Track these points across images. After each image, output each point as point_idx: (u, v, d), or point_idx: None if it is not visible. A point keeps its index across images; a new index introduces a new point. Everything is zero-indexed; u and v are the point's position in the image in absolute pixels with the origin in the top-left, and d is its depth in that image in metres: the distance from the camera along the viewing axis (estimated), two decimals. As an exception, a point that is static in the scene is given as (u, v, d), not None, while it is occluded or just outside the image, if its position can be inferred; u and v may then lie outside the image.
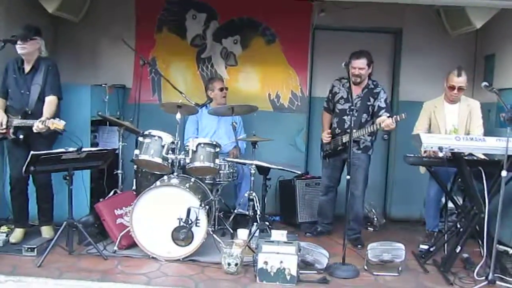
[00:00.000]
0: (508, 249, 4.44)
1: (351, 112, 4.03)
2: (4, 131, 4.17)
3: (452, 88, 4.42)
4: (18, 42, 4.12)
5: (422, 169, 4.53)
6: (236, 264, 3.75)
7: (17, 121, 4.14)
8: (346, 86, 4.67)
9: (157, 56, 5.75)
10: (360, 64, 4.54)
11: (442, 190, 4.41)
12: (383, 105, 4.59)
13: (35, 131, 4.01)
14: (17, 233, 4.33)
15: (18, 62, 4.28)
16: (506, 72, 4.94)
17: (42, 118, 4.02)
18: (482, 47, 5.55)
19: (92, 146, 4.87)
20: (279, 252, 3.63)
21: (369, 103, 4.63)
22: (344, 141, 4.59)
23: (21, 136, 4.14)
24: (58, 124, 3.96)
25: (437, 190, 4.51)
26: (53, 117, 4.09)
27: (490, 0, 4.44)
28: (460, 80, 4.38)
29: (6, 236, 4.26)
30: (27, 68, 4.26)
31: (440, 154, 3.82)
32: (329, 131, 4.79)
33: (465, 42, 5.56)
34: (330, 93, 4.87)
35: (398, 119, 4.23)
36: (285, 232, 3.77)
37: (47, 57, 4.38)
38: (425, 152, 4.03)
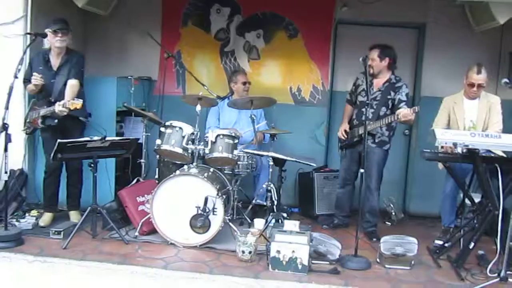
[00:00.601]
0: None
1: (368, 105, 4.12)
2: (41, 82, 4.29)
3: (471, 85, 4.39)
4: (59, 35, 4.29)
5: (440, 165, 4.53)
6: (250, 252, 3.87)
7: (43, 111, 4.32)
8: (369, 80, 4.68)
9: (182, 49, 5.88)
10: (372, 54, 4.62)
11: (458, 186, 4.41)
12: (403, 98, 4.62)
13: (58, 113, 4.17)
14: (46, 217, 4.55)
15: (44, 55, 4.43)
16: (531, 69, 4.90)
17: (62, 101, 4.17)
18: (507, 43, 5.46)
19: (117, 135, 5.06)
20: (291, 242, 3.72)
21: (389, 97, 4.66)
22: (360, 132, 4.64)
23: (55, 121, 4.31)
24: (76, 103, 4.10)
25: (453, 186, 4.49)
26: (83, 106, 4.25)
27: (513, -4, 4.41)
28: (479, 78, 4.34)
29: (36, 219, 4.49)
30: (54, 61, 4.43)
31: (457, 150, 3.85)
32: (347, 128, 4.85)
33: (490, 38, 5.46)
34: (353, 86, 4.95)
35: (417, 110, 4.29)
36: (297, 222, 3.86)
37: (75, 50, 4.54)
38: (442, 147, 4.04)
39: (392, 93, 4.66)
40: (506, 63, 5.43)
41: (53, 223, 4.49)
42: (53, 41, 4.33)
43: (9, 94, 3.92)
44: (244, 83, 5.34)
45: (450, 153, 4.04)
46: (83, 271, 3.65)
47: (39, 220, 4.50)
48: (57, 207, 4.70)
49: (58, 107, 4.15)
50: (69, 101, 4.14)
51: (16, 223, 4.36)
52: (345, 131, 4.85)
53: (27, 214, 4.57)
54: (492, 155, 4.06)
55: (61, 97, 4.33)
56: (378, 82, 4.72)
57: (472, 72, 4.37)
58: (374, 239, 4.55)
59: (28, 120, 4.47)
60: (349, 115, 4.95)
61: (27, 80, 4.43)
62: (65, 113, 4.17)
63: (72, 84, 4.39)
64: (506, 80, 3.93)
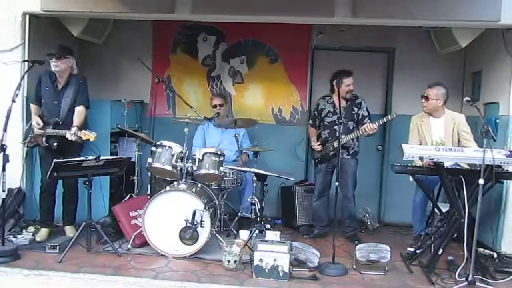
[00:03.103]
0: (493, 253, 4.42)
1: (340, 122, 4.25)
2: (41, 132, 4.33)
3: (421, 97, 4.53)
4: (53, 60, 4.30)
5: (411, 177, 4.56)
6: (235, 261, 3.85)
7: (49, 130, 4.32)
8: (331, 102, 4.88)
9: (172, 74, 5.92)
10: (351, 80, 4.73)
11: (427, 197, 4.43)
12: (365, 113, 4.83)
13: (69, 139, 4.21)
14: (43, 232, 4.47)
15: (51, 76, 4.43)
16: (491, 88, 4.97)
17: (73, 130, 4.22)
18: (470, 64, 5.56)
19: (111, 155, 5.03)
20: (273, 251, 3.71)
21: (353, 112, 4.83)
22: (335, 146, 4.71)
23: (55, 144, 4.31)
24: (90, 135, 4.16)
25: (423, 197, 4.52)
26: (84, 126, 4.31)
27: (472, 21, 4.50)
28: (428, 90, 4.49)
29: (33, 235, 4.42)
30: (60, 82, 4.43)
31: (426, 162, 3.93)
32: (317, 140, 4.93)
33: (454, 59, 5.58)
34: (315, 111, 5.04)
35: (381, 122, 4.55)
36: (278, 232, 3.86)
37: (77, 76, 4.54)
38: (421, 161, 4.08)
39: (356, 109, 4.83)
40: (470, 83, 5.52)
41: (50, 238, 4.41)
42: (51, 65, 4.35)
43: (7, 117, 3.90)
44: (215, 106, 5.36)
45: (428, 165, 4.08)
46: (77, 283, 3.59)
47: (36, 236, 4.42)
48: (53, 223, 4.63)
49: (69, 135, 4.20)
50: (81, 131, 4.19)
51: (13, 239, 4.28)
52: (320, 144, 4.89)
53: (24, 230, 4.49)
54: (458, 167, 4.13)
55: (68, 119, 4.37)
56: (342, 101, 4.75)
57: (427, 87, 4.52)
58: (356, 241, 4.57)
59: (31, 135, 4.42)
60: (315, 135, 5.03)
61: (36, 99, 4.47)
62: (76, 140, 4.23)
63: (80, 111, 4.43)
64: (467, 98, 3.99)
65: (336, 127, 4.66)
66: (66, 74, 4.43)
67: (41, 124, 4.35)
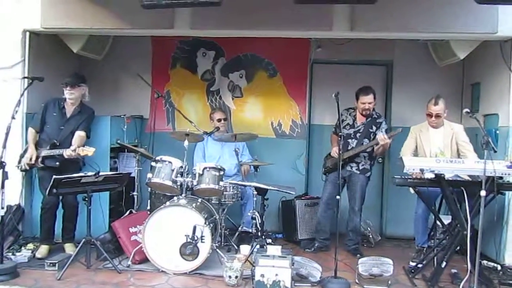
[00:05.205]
0: (497, 265, 4.38)
1: (341, 136, 4.27)
2: (33, 162, 4.37)
3: (429, 115, 4.50)
4: (67, 88, 4.40)
5: (412, 189, 4.54)
6: (236, 277, 3.81)
7: (45, 152, 4.35)
8: (353, 115, 4.91)
9: (171, 89, 5.94)
10: (369, 99, 4.75)
11: (429, 208, 4.41)
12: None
13: (66, 157, 4.23)
14: (43, 249, 4.44)
15: (60, 103, 4.51)
16: (490, 99, 4.97)
17: (72, 147, 4.23)
18: (469, 76, 5.57)
19: (111, 170, 5.01)
20: (274, 266, 3.66)
21: (371, 130, 4.83)
22: (345, 157, 4.70)
23: (57, 163, 4.34)
24: (88, 150, 4.18)
25: (424, 208, 4.49)
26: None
27: (469, 34, 4.52)
28: (436, 108, 4.45)
29: (32, 252, 4.37)
30: (68, 110, 4.51)
31: (426, 176, 3.90)
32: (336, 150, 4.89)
33: (453, 71, 5.59)
34: (338, 121, 4.99)
35: (392, 134, 4.58)
36: (279, 247, 3.82)
37: (87, 105, 4.63)
38: (411, 174, 4.08)
39: (374, 127, 4.83)
40: (469, 94, 5.52)
41: (49, 255, 4.38)
42: (64, 93, 4.44)
43: (7, 134, 3.90)
44: (219, 120, 5.37)
45: (419, 178, 4.07)
46: (76, 300, 3.56)
47: (35, 253, 4.38)
48: (53, 240, 4.59)
49: (68, 152, 4.22)
50: (80, 148, 4.22)
51: (12, 257, 4.24)
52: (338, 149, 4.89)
53: (23, 248, 4.44)
54: (459, 179, 4.11)
55: (66, 141, 4.41)
56: (362, 117, 4.86)
57: (430, 103, 4.50)
58: (358, 255, 4.54)
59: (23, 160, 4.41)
60: (336, 140, 4.98)
61: (36, 123, 4.51)
62: (72, 157, 4.24)
63: (80, 135, 4.49)
64: (467, 110, 4.01)
65: (349, 140, 4.83)
66: (78, 102, 4.52)
67: (34, 160, 4.36)
